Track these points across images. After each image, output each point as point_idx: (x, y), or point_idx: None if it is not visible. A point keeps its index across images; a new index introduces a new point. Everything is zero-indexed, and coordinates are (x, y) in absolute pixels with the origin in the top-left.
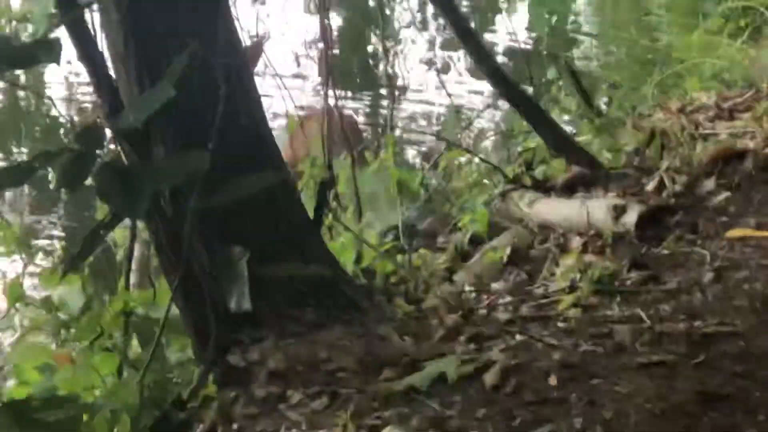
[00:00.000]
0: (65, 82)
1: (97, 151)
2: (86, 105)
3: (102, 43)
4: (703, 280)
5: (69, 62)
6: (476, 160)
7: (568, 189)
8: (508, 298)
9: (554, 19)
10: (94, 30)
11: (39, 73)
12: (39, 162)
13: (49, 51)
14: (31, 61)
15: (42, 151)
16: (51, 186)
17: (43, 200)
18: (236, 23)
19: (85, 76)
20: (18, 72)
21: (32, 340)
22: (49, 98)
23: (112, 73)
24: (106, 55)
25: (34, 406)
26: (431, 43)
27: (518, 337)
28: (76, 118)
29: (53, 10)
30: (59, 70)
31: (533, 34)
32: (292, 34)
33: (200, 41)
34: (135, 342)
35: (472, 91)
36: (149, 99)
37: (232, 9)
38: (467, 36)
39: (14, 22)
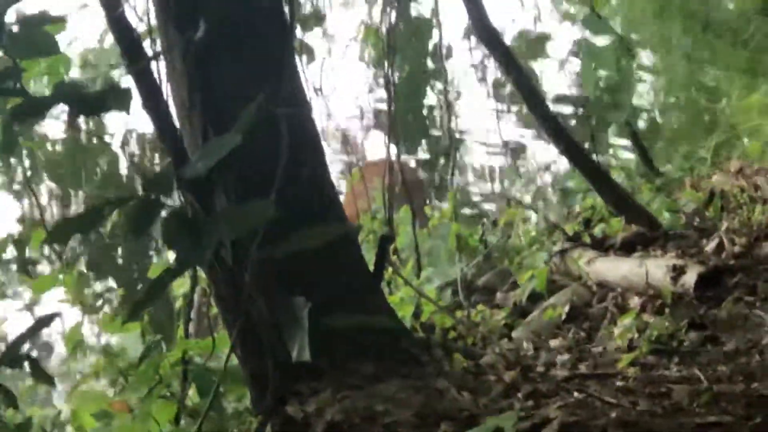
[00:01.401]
0: (125, 129)
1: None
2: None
3: (167, 93)
4: (762, 341)
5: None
6: (535, 217)
7: (627, 248)
8: (566, 356)
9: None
10: (160, 80)
11: (100, 119)
12: (109, 209)
13: (120, 100)
14: (101, 108)
15: (111, 198)
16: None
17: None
18: (300, 75)
19: (145, 125)
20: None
21: (90, 387)
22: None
23: (176, 122)
24: (171, 104)
25: None
26: (492, 96)
27: (576, 394)
28: (136, 165)
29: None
30: (120, 116)
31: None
32: (350, 86)
33: (265, 93)
34: (193, 391)
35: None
36: (216, 147)
37: (297, 61)
38: (531, 94)
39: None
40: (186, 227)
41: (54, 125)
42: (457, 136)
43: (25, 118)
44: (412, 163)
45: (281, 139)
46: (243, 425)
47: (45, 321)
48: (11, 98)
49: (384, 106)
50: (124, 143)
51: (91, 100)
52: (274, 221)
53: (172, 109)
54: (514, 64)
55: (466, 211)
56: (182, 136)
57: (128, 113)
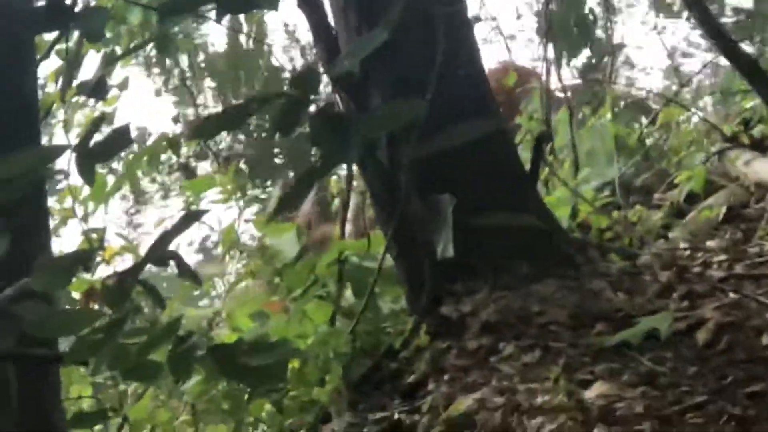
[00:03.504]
0: (285, 30)
1: (312, 98)
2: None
3: None
4: None
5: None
6: (694, 118)
7: None
8: (723, 257)
9: None
10: None
11: (260, 20)
12: (253, 106)
13: None
14: (250, 5)
15: (257, 95)
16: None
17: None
18: None
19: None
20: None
21: (246, 288)
22: (269, 45)
23: (331, 21)
24: (326, 3)
25: (241, 351)
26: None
27: (732, 295)
28: (294, 66)
29: None
30: (279, 17)
31: None
32: None
33: None
34: (348, 291)
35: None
36: (363, 44)
37: None
38: None
39: None
40: (334, 125)
41: (215, 27)
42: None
43: (173, 15)
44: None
45: (437, 38)
46: (398, 325)
47: (191, 218)
48: None
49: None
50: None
51: None
52: (429, 121)
53: (328, 8)
54: None
55: (625, 111)
56: (337, 36)
57: (276, 10)
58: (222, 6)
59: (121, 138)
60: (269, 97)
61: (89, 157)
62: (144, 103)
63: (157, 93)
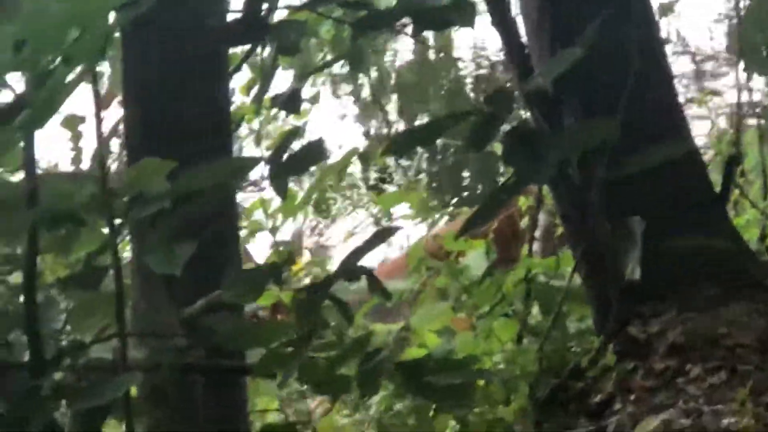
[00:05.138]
0: (472, 46)
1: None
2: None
3: (515, 10)
4: None
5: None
6: None
7: None
8: None
9: None
10: None
11: (448, 35)
12: (447, 122)
13: (465, 15)
14: (446, 23)
15: (451, 112)
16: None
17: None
18: None
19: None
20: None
21: (433, 304)
22: (458, 60)
23: (524, 40)
24: (519, 22)
25: (430, 368)
26: None
27: None
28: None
29: None
30: (467, 33)
31: None
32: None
33: (613, 10)
34: (535, 309)
35: None
36: (557, 62)
37: None
38: None
39: None
40: (527, 143)
41: (403, 41)
42: None
43: (368, 31)
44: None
45: (630, 60)
46: (584, 345)
47: (383, 234)
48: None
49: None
50: (474, 60)
51: (436, 14)
52: (619, 142)
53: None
54: None
55: None
56: (530, 54)
57: (473, 28)
58: (419, 23)
59: (315, 151)
60: (463, 113)
61: (283, 170)
62: (330, 119)
63: (343, 112)
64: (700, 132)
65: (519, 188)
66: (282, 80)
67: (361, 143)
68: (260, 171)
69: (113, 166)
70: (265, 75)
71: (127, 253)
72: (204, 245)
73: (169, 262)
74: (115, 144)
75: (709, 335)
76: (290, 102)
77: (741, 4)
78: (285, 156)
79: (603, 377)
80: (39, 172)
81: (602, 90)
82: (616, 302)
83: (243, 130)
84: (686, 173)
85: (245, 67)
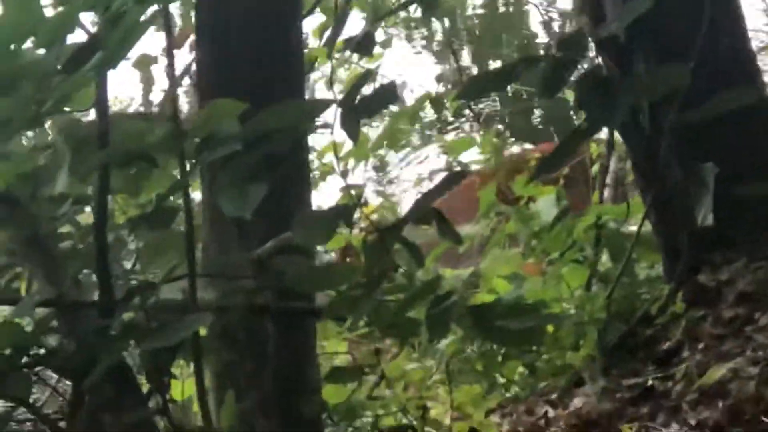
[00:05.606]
0: None
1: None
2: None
3: None
4: None
5: None
6: None
7: None
8: None
9: None
10: None
11: None
12: (520, 67)
13: None
14: None
15: (523, 57)
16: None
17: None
18: None
19: None
20: None
21: (503, 249)
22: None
23: None
24: None
25: (499, 313)
26: None
27: None
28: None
29: None
30: None
31: None
32: None
33: None
34: (605, 256)
35: None
36: (629, 9)
37: None
38: None
39: None
40: (600, 88)
41: None
42: None
43: None
44: None
45: (702, 6)
46: (654, 292)
47: (452, 179)
48: None
49: None
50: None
51: None
52: (690, 87)
53: None
54: None
55: None
56: (602, 2)
57: None
58: None
59: (387, 94)
60: (535, 58)
61: (354, 113)
62: (403, 63)
63: (417, 53)
64: None
65: (591, 133)
66: (355, 24)
67: (434, 88)
68: (332, 113)
69: (185, 107)
70: (338, 18)
71: (197, 194)
72: (275, 187)
73: (239, 204)
74: (186, 85)
75: None
76: (363, 45)
77: None
78: (357, 99)
79: (672, 325)
80: (110, 112)
81: (674, 36)
82: (685, 250)
83: (315, 73)
84: (759, 120)
85: (318, 10)
